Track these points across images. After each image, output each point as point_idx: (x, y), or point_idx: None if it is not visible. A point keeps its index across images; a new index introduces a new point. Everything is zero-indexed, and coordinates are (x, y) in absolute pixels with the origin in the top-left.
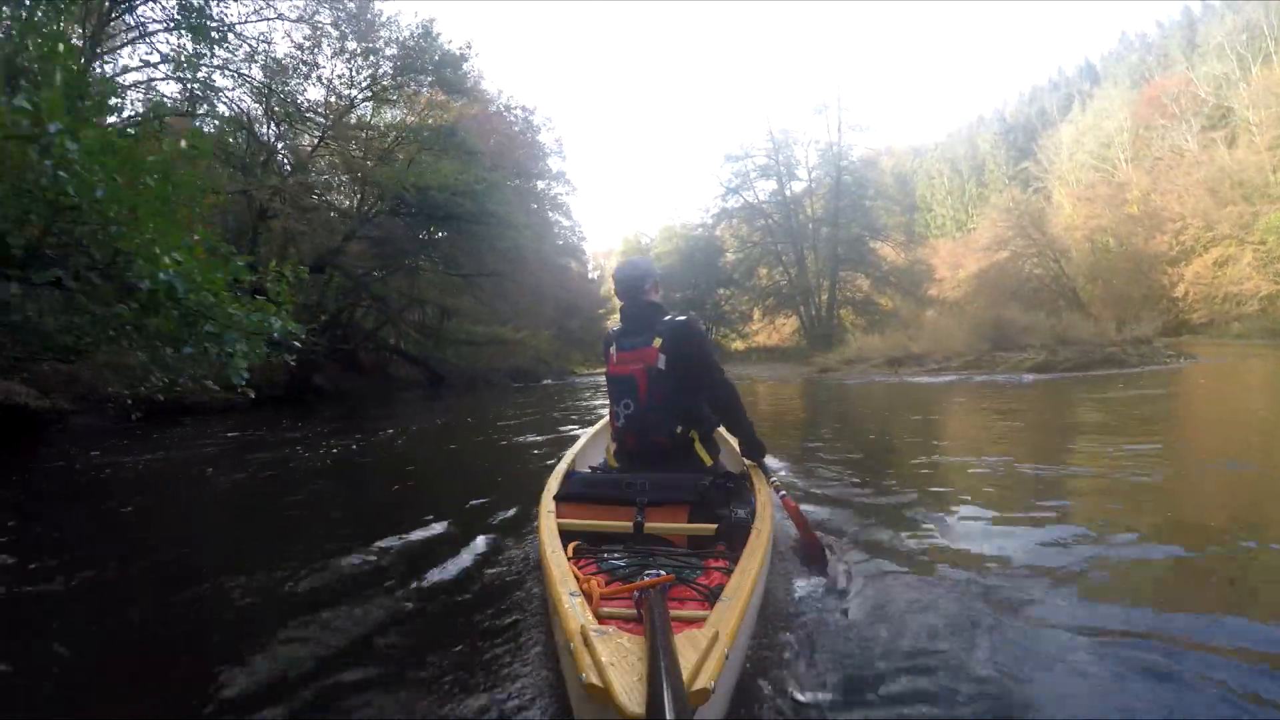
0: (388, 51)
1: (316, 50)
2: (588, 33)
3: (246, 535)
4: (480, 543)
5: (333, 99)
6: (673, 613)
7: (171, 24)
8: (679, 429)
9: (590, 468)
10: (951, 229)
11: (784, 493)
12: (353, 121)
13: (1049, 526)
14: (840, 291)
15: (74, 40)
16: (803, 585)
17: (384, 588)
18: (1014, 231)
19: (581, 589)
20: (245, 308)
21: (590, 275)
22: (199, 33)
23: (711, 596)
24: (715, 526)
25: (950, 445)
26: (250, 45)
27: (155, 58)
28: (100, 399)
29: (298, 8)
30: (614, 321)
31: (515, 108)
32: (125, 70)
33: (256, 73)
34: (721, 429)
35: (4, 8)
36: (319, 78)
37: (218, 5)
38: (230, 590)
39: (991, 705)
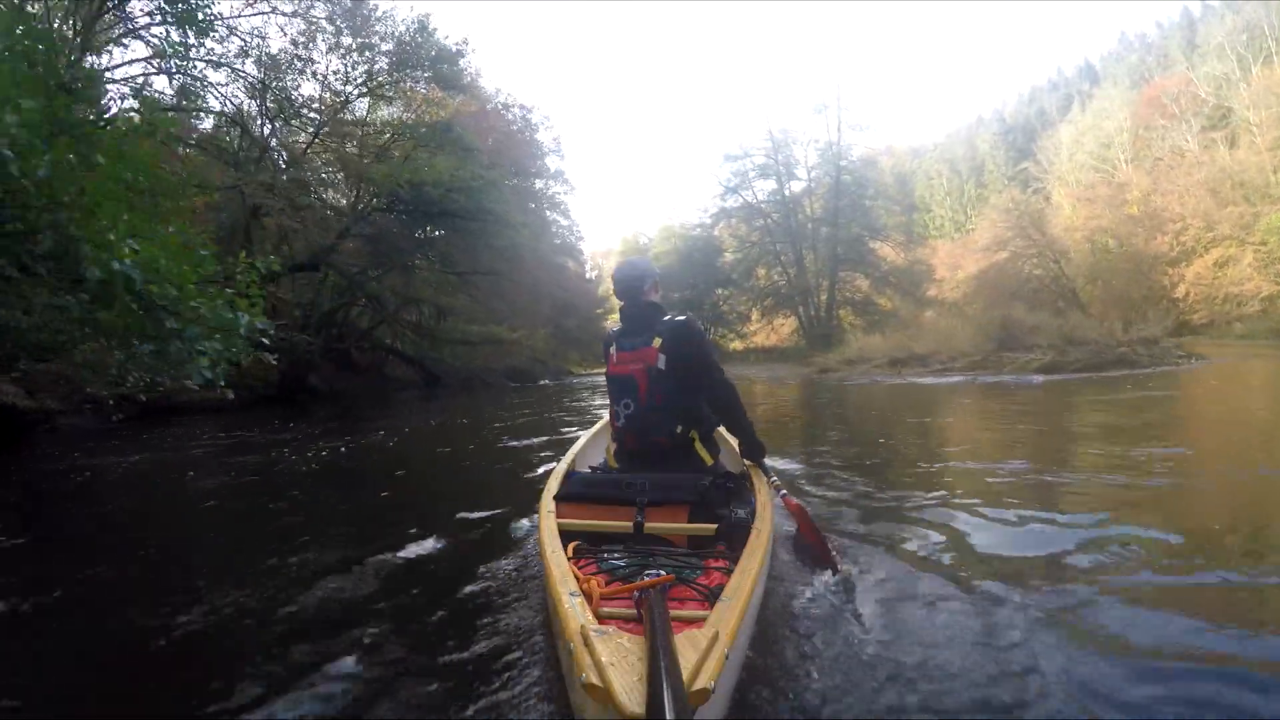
0: (383, 47)
1: (311, 45)
2: (586, 32)
3: (235, 538)
4: (480, 543)
5: (327, 96)
6: (673, 613)
7: (159, 14)
8: (679, 429)
9: (590, 468)
10: (950, 230)
11: (784, 492)
12: (348, 118)
13: (1061, 530)
14: (839, 292)
15: (65, 31)
16: (803, 585)
17: (382, 588)
18: (1013, 232)
19: (581, 589)
20: (212, 302)
21: (588, 275)
22: (187, 20)
23: (711, 596)
24: (715, 526)
25: (960, 449)
26: (243, 40)
27: (147, 52)
28: (88, 399)
29: (292, 1)
30: (612, 321)
31: (513, 106)
32: (116, 65)
33: (251, 68)
34: (721, 429)
35: None
36: (314, 73)
37: None
38: (220, 593)
39: (993, 706)
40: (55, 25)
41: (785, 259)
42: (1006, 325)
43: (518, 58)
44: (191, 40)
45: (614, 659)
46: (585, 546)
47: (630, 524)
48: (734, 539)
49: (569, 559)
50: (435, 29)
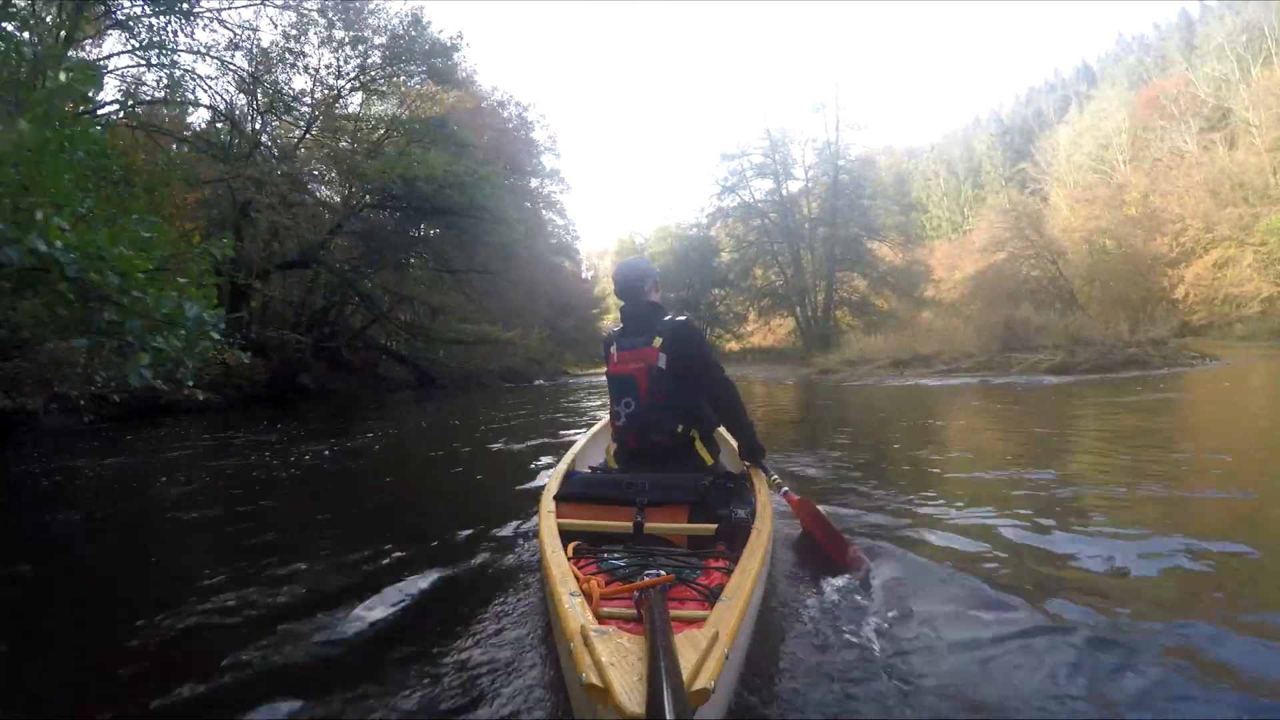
0: (376, 40)
1: (303, 39)
2: (583, 32)
3: (213, 543)
4: (479, 543)
5: (319, 92)
6: (673, 613)
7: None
8: (679, 428)
9: (590, 468)
10: (947, 230)
11: (786, 489)
12: (340, 113)
13: (1074, 535)
14: (836, 292)
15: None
16: (803, 585)
17: (381, 589)
18: (1011, 233)
19: (581, 589)
20: (160, 292)
21: (584, 275)
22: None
23: (711, 596)
24: (715, 526)
25: (976, 454)
26: (233, 31)
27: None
28: (56, 399)
29: None
30: (609, 321)
31: (509, 103)
32: (105, 57)
33: (241, 61)
34: (722, 429)
35: None
36: (305, 67)
37: None
38: (215, 593)
39: (993, 708)
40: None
41: (782, 259)
42: (1011, 325)
43: (513, 56)
44: (177, 29)
45: (614, 659)
46: (585, 546)
47: (630, 524)
48: (734, 539)
49: (569, 559)
50: (429, 22)
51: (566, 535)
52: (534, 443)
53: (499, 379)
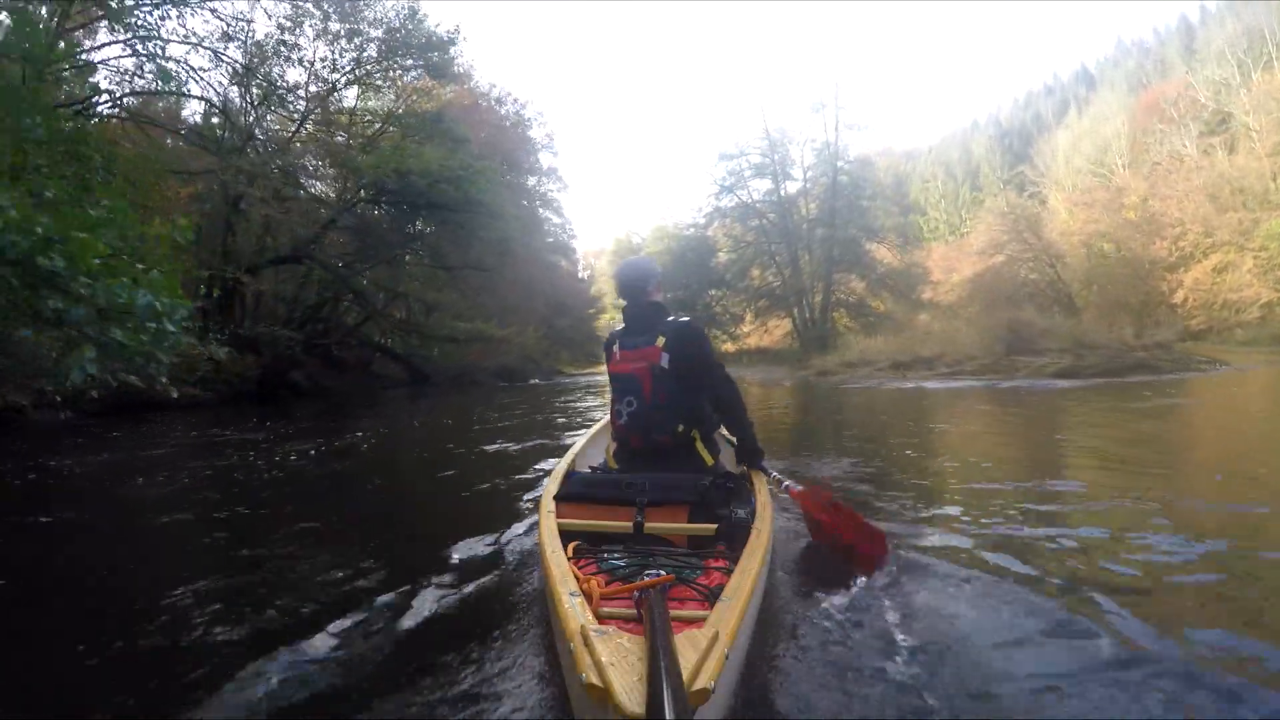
0: (373, 34)
1: (298, 31)
2: (581, 30)
3: (206, 542)
4: (479, 543)
5: (314, 86)
6: (673, 613)
7: None
8: (681, 428)
9: (590, 468)
10: (945, 232)
11: (788, 483)
12: (335, 107)
13: (1094, 540)
14: (834, 293)
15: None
16: (804, 585)
17: (379, 589)
18: (1009, 236)
19: (581, 589)
20: (112, 277)
21: (580, 274)
22: None
23: (711, 596)
24: (715, 526)
25: (992, 463)
26: (226, 22)
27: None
28: (46, 395)
29: None
30: (606, 320)
31: (507, 100)
32: (97, 47)
33: (235, 54)
34: (723, 430)
35: None
36: (300, 60)
37: None
38: (215, 593)
39: (995, 707)
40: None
41: (780, 260)
42: (1015, 328)
43: (511, 54)
44: (169, 17)
45: (614, 659)
46: (585, 546)
47: (630, 524)
48: (734, 539)
49: (569, 559)
50: (425, 16)
51: (566, 535)
52: (531, 443)
53: (494, 377)
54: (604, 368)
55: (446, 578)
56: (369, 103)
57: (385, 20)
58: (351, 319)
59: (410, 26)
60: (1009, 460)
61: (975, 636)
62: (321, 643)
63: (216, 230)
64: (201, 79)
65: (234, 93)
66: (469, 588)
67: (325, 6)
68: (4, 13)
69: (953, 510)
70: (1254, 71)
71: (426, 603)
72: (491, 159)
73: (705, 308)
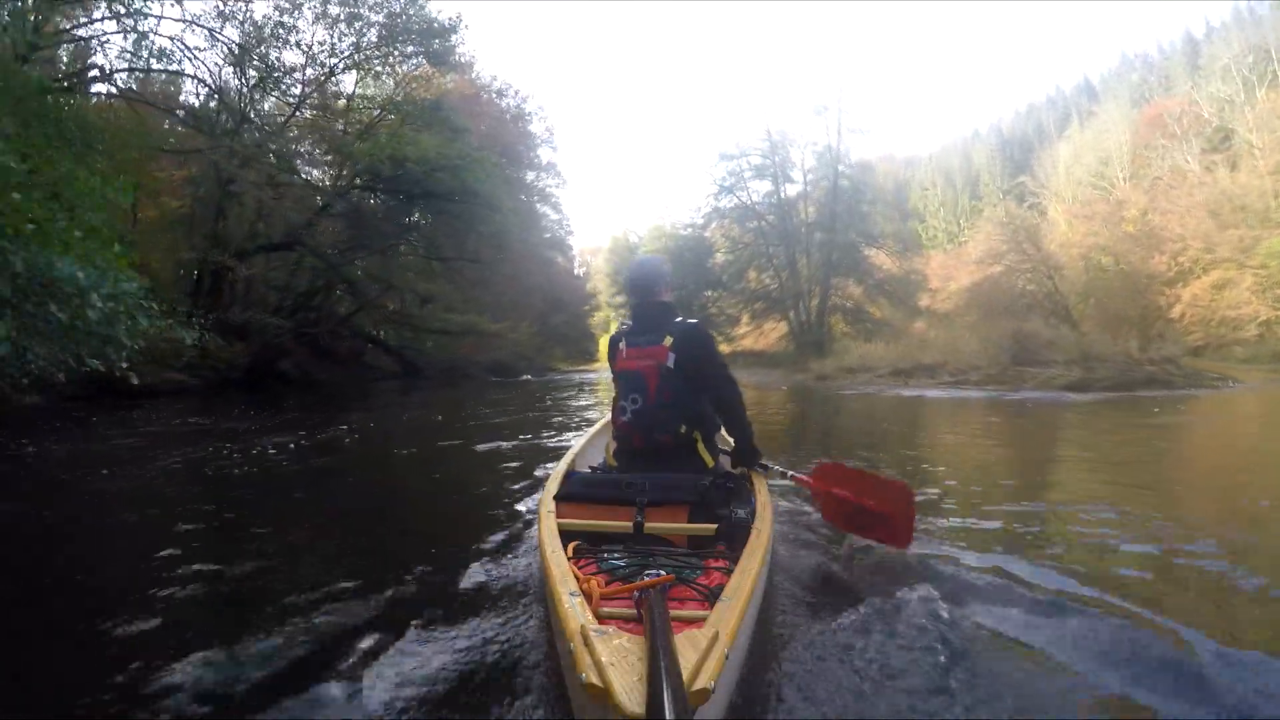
0: (373, 18)
1: (296, 14)
2: (583, 27)
3: (215, 535)
4: (478, 542)
5: (312, 71)
6: (673, 613)
7: None
8: (683, 428)
9: (590, 468)
10: (943, 240)
11: (792, 472)
12: (332, 91)
13: (1120, 546)
14: (831, 298)
15: None
16: (804, 585)
17: (377, 588)
18: (1008, 246)
19: (581, 589)
20: (42, 243)
21: (576, 271)
22: None
23: (711, 596)
24: (715, 526)
25: (1017, 479)
26: (221, 1)
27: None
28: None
29: None
30: (601, 319)
31: (508, 92)
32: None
33: (232, 34)
34: (724, 432)
35: None
36: (298, 43)
37: None
38: (209, 591)
39: (995, 707)
40: None
41: (778, 262)
42: (1020, 339)
43: (512, 49)
44: None
45: (614, 659)
46: (585, 546)
47: (630, 524)
48: (734, 539)
49: (569, 559)
50: (427, 1)
51: (566, 535)
52: (525, 441)
53: (486, 372)
54: (598, 366)
55: (445, 577)
56: (367, 90)
57: (386, 5)
58: (344, 309)
59: (411, 12)
60: (1030, 476)
61: (976, 637)
62: (319, 641)
63: (208, 214)
64: (196, 58)
65: (229, 75)
66: (468, 587)
67: None
68: None
69: (964, 518)
70: (1259, 89)
71: (425, 602)
72: (491, 151)
73: (701, 308)
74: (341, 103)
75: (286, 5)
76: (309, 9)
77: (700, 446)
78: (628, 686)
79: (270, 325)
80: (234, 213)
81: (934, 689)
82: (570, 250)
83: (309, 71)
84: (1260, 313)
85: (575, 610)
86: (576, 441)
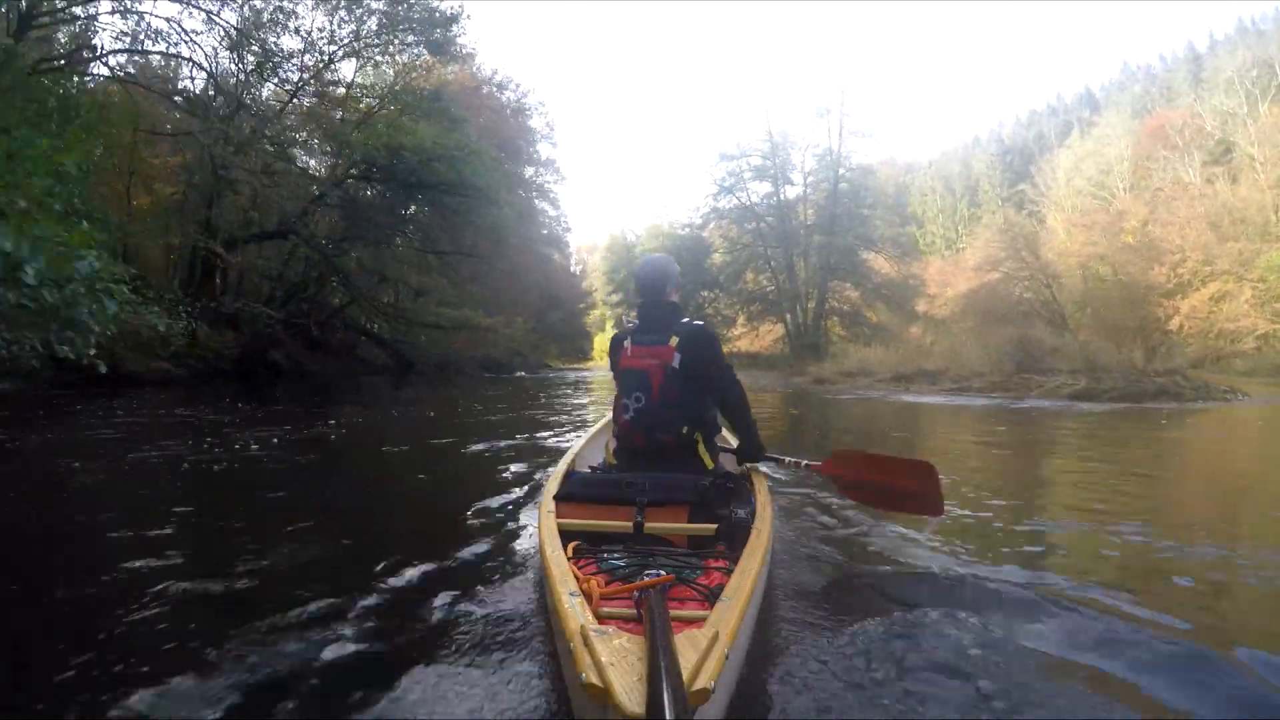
0: (374, 5)
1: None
2: (584, 25)
3: (211, 531)
4: (478, 542)
5: (310, 58)
6: (673, 613)
7: None
8: (685, 429)
9: (590, 468)
10: (941, 246)
11: (806, 461)
12: (330, 79)
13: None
14: (828, 301)
15: None
16: (804, 585)
17: (379, 587)
18: (1007, 253)
19: (581, 589)
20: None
21: (573, 269)
22: None
23: (711, 596)
24: (715, 527)
25: (1030, 489)
26: None
27: None
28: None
29: None
30: (596, 316)
31: (510, 86)
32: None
33: (230, 17)
34: (725, 433)
35: None
36: (297, 29)
37: None
38: (205, 589)
39: (996, 707)
40: None
41: (775, 264)
42: (1024, 346)
43: (514, 44)
44: None
45: (614, 659)
46: (585, 546)
47: (630, 524)
48: (734, 539)
49: (569, 559)
50: None
51: (566, 535)
52: (521, 439)
53: (479, 368)
54: (592, 364)
55: (443, 576)
56: (366, 78)
57: None
58: (337, 300)
59: (413, 0)
60: (1047, 485)
61: (976, 639)
62: (313, 642)
63: (201, 201)
64: (194, 41)
65: (226, 59)
66: (468, 587)
67: None
68: None
69: (971, 523)
70: (1261, 103)
71: (424, 601)
72: (490, 145)
73: (697, 309)
74: (340, 91)
75: None
76: None
77: (701, 448)
78: (628, 686)
79: (262, 315)
80: (228, 200)
81: (934, 688)
82: (567, 247)
83: (307, 58)
84: (1259, 326)
85: (575, 610)
86: (576, 441)
